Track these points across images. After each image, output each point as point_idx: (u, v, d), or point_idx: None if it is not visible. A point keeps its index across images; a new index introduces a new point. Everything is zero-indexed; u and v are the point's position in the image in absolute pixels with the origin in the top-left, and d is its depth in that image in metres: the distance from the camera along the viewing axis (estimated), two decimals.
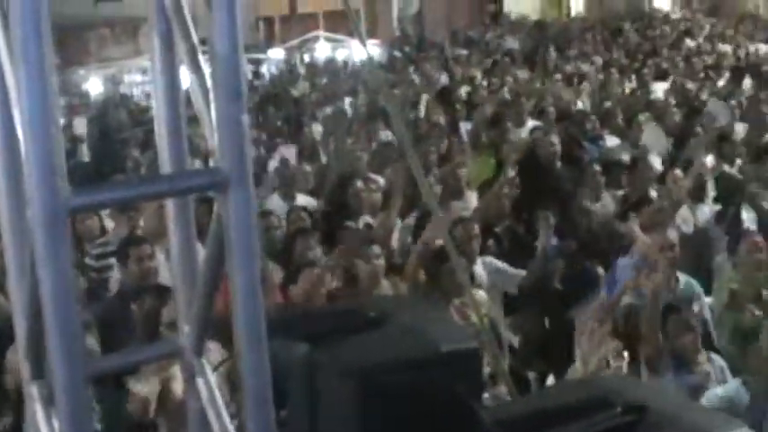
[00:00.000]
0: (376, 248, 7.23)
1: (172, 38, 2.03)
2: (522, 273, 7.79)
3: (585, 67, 17.33)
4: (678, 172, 9.18)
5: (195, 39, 1.98)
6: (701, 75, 15.74)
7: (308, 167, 10.61)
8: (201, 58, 1.93)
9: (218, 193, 1.86)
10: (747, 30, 24.08)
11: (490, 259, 7.93)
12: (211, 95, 1.86)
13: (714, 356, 6.33)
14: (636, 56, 19.18)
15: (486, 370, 5.19)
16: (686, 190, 8.85)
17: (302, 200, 9.63)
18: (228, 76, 1.84)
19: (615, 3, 34.82)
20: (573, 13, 37.00)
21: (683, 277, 7.43)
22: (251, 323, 1.90)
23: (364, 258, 7.07)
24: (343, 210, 8.64)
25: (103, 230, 8.65)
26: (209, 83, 1.88)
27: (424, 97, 14.43)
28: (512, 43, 23.16)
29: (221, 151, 1.86)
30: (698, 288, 7.52)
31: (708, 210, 9.11)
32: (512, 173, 9.04)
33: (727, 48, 19.98)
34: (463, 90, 15.57)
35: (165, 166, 2.09)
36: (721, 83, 14.99)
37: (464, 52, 21.55)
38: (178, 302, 2.13)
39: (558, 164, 10.12)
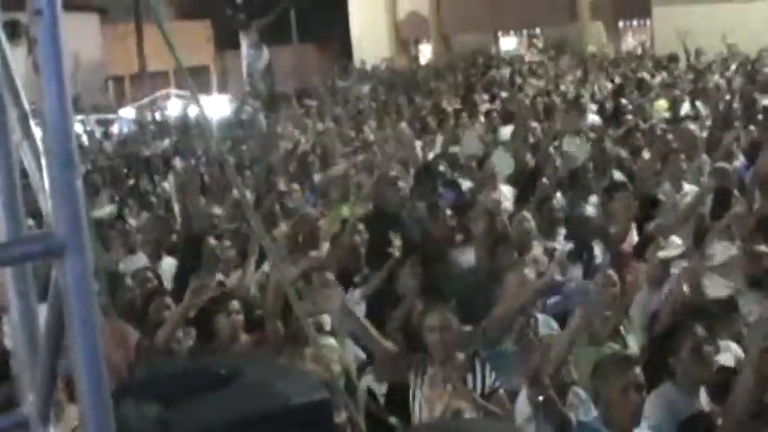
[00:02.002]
0: (234, 303, 7.18)
1: (3, 104, 2.02)
2: None
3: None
4: (525, 212, 9.28)
5: (26, 105, 1.97)
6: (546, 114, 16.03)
7: (161, 226, 10.51)
8: (33, 124, 1.93)
9: (54, 260, 1.85)
10: (592, 68, 24.77)
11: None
12: (43, 161, 1.86)
13: (579, 390, 6.42)
14: (486, 99, 19.52)
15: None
16: (534, 229, 8.96)
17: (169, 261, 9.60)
18: (59, 142, 1.83)
19: (462, 47, 35.52)
20: (423, 60, 37.67)
21: (541, 316, 7.52)
22: (94, 386, 1.89)
23: (223, 314, 7.02)
24: (197, 267, 8.56)
25: None
26: (41, 148, 1.88)
27: (283, 148, 14.48)
28: (362, 92, 23.35)
29: (56, 217, 1.85)
30: (555, 325, 7.62)
31: (560, 248, 9.22)
32: (356, 222, 9.11)
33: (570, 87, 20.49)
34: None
35: (2, 233, 2.06)
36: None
37: (314, 103, 21.64)
38: (21, 371, 2.10)
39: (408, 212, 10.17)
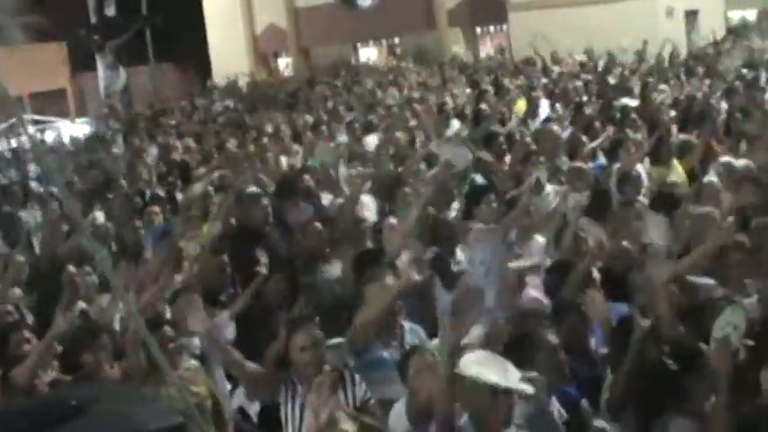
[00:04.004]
0: (102, 337, 7.02)
1: None
2: None
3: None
4: (392, 220, 9.28)
5: None
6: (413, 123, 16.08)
7: (20, 257, 10.20)
8: None
9: None
10: (452, 75, 25.01)
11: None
12: None
13: None
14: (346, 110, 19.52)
15: None
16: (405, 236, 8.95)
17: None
18: None
19: (322, 60, 35.57)
20: (284, 73, 37.65)
21: (407, 324, 7.50)
22: None
23: (89, 349, 6.86)
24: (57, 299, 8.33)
25: None
26: None
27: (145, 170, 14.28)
28: (222, 108, 23.18)
29: None
30: (422, 334, 7.62)
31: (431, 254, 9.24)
32: (217, 241, 9.03)
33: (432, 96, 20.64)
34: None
35: None
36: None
37: (172, 122, 21.40)
38: None
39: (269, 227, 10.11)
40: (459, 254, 8.91)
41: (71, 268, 8.39)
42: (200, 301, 7.72)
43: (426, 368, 5.95)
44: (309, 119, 18.33)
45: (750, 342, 6.10)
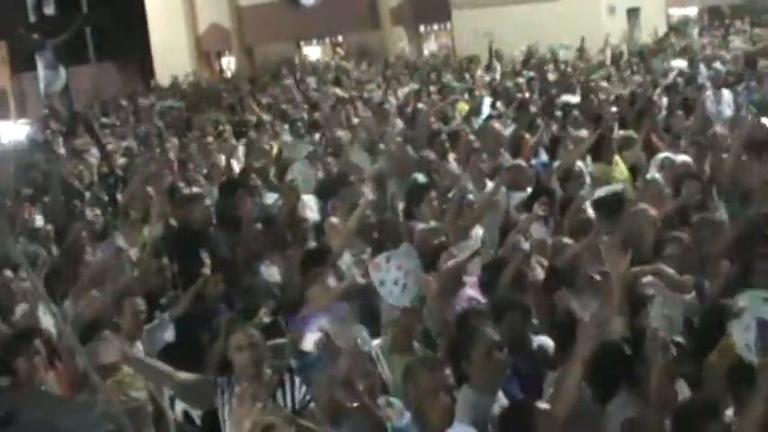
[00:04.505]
0: (36, 343, 6.93)
1: None
2: None
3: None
4: (333, 219, 9.24)
5: None
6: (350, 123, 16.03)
7: None
8: None
9: None
10: (396, 73, 25.03)
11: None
12: None
13: (392, 399, 6.41)
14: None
15: None
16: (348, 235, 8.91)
17: None
18: None
19: (266, 58, 35.44)
20: (228, 71, 37.47)
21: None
22: None
23: (23, 356, 6.77)
24: None
25: None
26: None
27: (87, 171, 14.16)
28: (165, 108, 22.99)
29: None
30: (365, 335, 7.58)
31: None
32: (156, 242, 8.98)
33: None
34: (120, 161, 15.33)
35: None
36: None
37: (115, 123, 21.20)
38: None
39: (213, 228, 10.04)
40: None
41: (7, 273, 8.31)
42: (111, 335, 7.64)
43: None
44: (253, 118, 18.23)
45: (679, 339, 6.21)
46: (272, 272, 8.99)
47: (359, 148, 12.95)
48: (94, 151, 16.83)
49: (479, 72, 22.03)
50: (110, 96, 27.37)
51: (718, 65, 18.80)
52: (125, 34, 35.25)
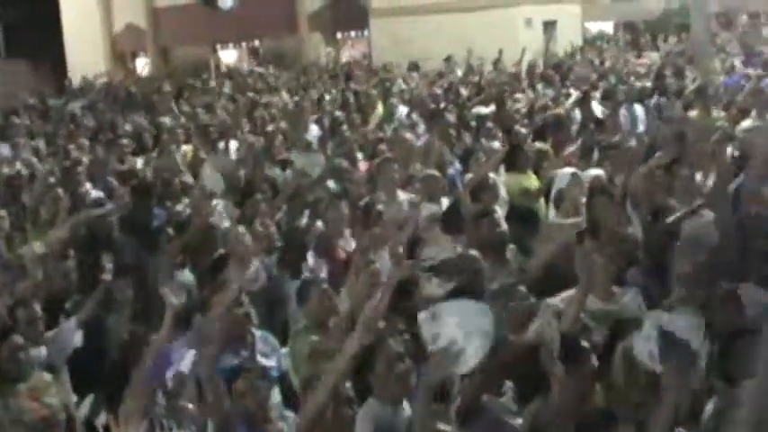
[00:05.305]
0: None
1: None
2: None
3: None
4: (241, 228, 9.14)
5: None
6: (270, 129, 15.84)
7: None
8: None
9: None
10: (312, 79, 24.93)
11: None
12: None
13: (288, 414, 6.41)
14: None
15: None
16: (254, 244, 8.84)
17: None
18: None
19: (183, 60, 35.09)
20: (143, 73, 37.02)
21: (258, 332, 7.45)
22: None
23: None
24: None
25: None
26: None
27: None
28: (77, 109, 22.58)
29: None
30: (273, 341, 7.57)
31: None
32: (60, 246, 8.84)
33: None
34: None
35: None
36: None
37: (25, 122, 20.70)
38: None
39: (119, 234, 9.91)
40: (310, 260, 8.87)
41: None
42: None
43: None
44: (167, 121, 17.97)
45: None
46: (186, 277, 8.92)
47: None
48: (4, 150, 16.49)
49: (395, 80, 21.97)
50: (20, 95, 26.66)
51: (631, 79, 18.99)
52: (38, 31, 34.63)
